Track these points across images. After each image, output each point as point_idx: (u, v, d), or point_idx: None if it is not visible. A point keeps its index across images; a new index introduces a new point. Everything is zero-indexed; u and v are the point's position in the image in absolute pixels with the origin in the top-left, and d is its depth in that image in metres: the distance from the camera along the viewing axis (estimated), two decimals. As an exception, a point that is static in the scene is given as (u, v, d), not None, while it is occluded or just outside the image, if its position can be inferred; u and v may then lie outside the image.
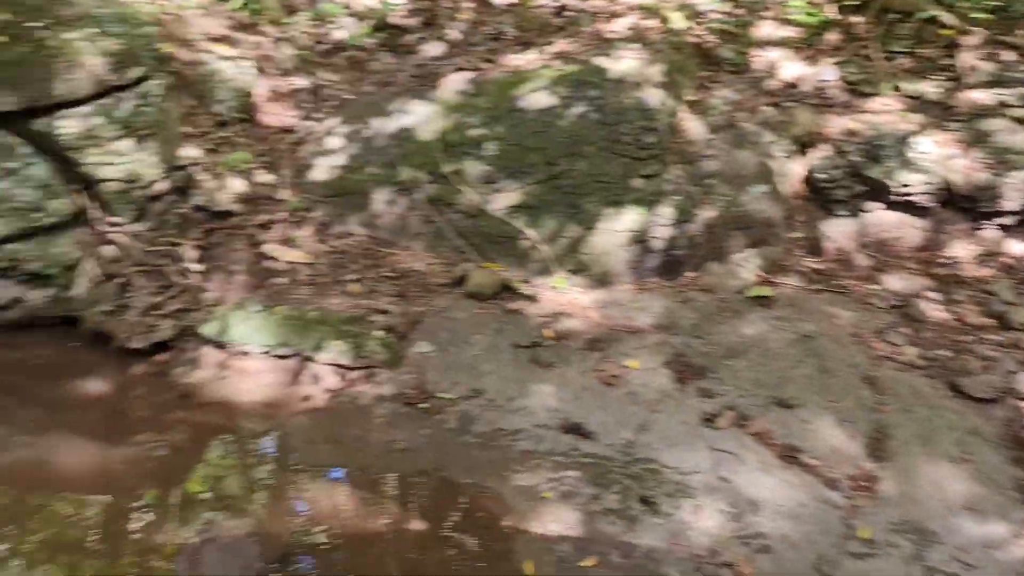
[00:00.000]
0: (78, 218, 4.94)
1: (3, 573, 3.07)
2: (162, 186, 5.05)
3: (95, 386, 4.35)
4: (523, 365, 4.28)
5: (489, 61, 6.00)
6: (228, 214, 5.14)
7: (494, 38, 6.40)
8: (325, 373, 4.33)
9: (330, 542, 3.27)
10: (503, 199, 5.13)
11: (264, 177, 5.39)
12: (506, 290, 4.84)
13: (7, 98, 4.64)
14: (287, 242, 5.10)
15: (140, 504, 3.51)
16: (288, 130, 5.79)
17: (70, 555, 3.23)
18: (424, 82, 5.97)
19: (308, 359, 4.34)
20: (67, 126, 4.78)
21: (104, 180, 4.89)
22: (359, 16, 6.82)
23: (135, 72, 5.04)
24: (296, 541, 3.21)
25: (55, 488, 3.65)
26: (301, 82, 6.15)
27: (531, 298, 4.80)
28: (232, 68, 5.69)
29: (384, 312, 4.61)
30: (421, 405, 4.11)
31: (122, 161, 4.89)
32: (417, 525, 3.41)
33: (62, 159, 4.87)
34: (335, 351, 4.32)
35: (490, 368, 4.27)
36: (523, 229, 5.02)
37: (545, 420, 3.95)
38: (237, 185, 5.27)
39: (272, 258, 4.95)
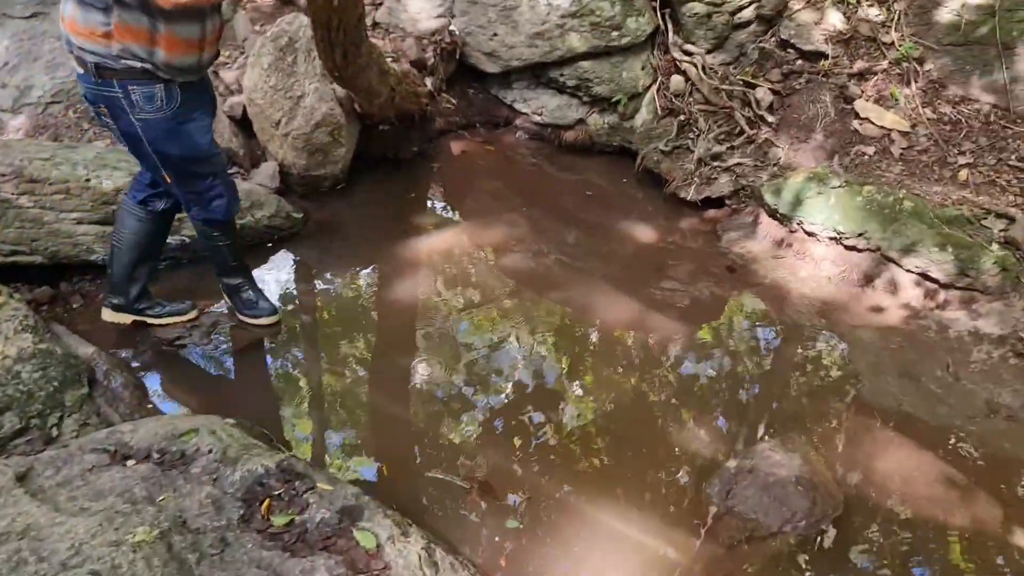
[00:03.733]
0: (652, 41, 4.52)
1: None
2: (749, 13, 4.31)
3: (638, 227, 4.03)
4: None
5: None
6: (817, 55, 4.24)
7: None
8: (907, 283, 3.38)
9: (893, 510, 2.50)
10: None
11: (870, 12, 4.31)
12: None
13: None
14: (883, 101, 4.06)
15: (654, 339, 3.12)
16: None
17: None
18: None
19: (888, 259, 3.42)
20: (664, -67, 4.26)
21: (688, 0, 4.32)
22: None
23: None
24: (854, 498, 2.52)
25: (575, 304, 3.44)
26: None
27: None
28: None
29: (1006, 218, 3.41)
30: (1041, 360, 2.99)
31: (713, -21, 4.26)
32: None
33: (650, -28, 4.41)
34: (928, 258, 3.32)
35: None
36: None
37: None
38: (835, 20, 4.30)
39: (862, 119, 3.98)
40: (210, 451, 2.38)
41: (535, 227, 4.03)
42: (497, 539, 2.40)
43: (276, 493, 2.27)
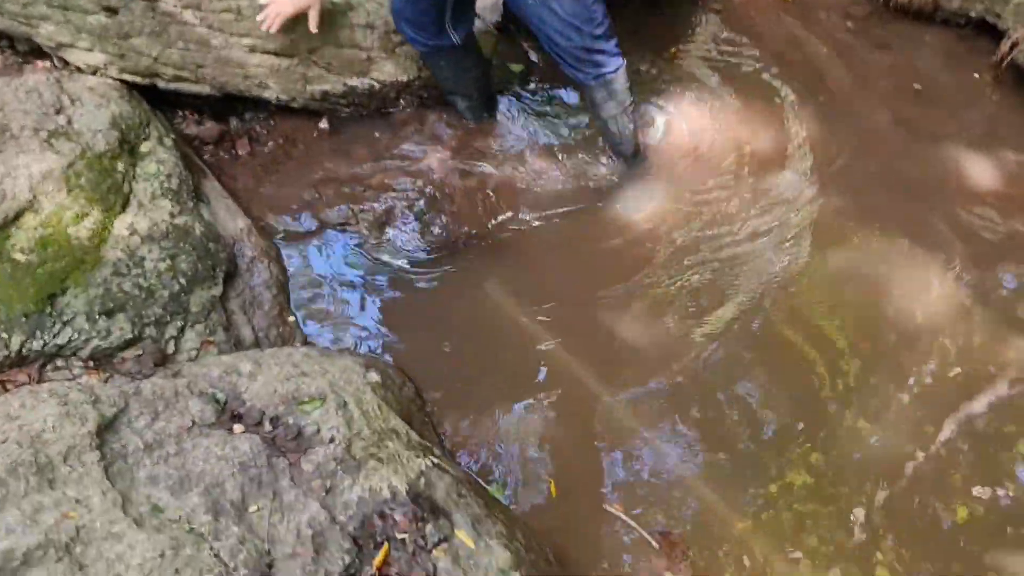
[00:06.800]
0: None
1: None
2: None
3: (983, 159, 2.79)
4: None
5: None
6: None
7: None
8: None
9: None
10: None
11: None
12: None
13: None
14: None
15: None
16: None
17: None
18: None
19: None
20: None
21: None
22: None
23: None
24: None
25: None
26: None
27: None
28: None
29: None
30: None
31: None
32: None
33: None
34: None
35: None
36: None
37: None
38: None
39: None
40: (331, 440, 1.81)
41: (829, 133, 2.92)
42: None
43: (400, 537, 1.66)
